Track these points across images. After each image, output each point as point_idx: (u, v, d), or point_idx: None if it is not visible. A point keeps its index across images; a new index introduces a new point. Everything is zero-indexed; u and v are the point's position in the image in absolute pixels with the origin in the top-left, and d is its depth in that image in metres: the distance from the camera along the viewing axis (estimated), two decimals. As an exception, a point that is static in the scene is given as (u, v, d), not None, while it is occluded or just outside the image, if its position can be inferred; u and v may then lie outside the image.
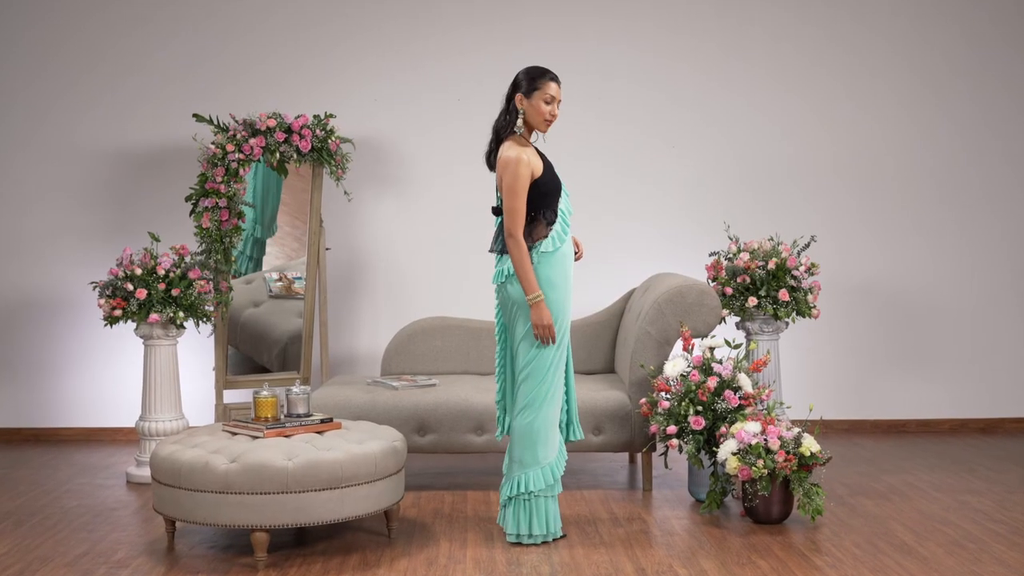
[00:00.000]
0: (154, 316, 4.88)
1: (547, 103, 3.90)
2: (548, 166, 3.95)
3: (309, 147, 5.32)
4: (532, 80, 3.91)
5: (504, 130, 3.96)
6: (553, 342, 3.86)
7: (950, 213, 6.15)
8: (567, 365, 4.01)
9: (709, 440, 4.35)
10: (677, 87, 6.09)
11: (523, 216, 3.84)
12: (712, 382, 4.33)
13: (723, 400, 4.32)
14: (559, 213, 3.93)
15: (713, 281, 5.19)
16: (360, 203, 6.02)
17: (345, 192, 5.61)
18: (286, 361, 5.67)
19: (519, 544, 3.93)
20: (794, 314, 5.14)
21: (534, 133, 4.02)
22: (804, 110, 6.12)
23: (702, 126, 6.11)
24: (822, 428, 5.88)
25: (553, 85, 3.90)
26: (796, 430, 4.17)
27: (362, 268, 6.08)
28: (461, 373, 5.36)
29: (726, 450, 4.13)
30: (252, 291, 5.62)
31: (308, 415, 4.00)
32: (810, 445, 4.09)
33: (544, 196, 3.90)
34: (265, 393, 3.94)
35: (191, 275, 4.99)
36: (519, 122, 3.92)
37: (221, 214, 5.19)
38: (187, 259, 5.09)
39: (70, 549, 3.92)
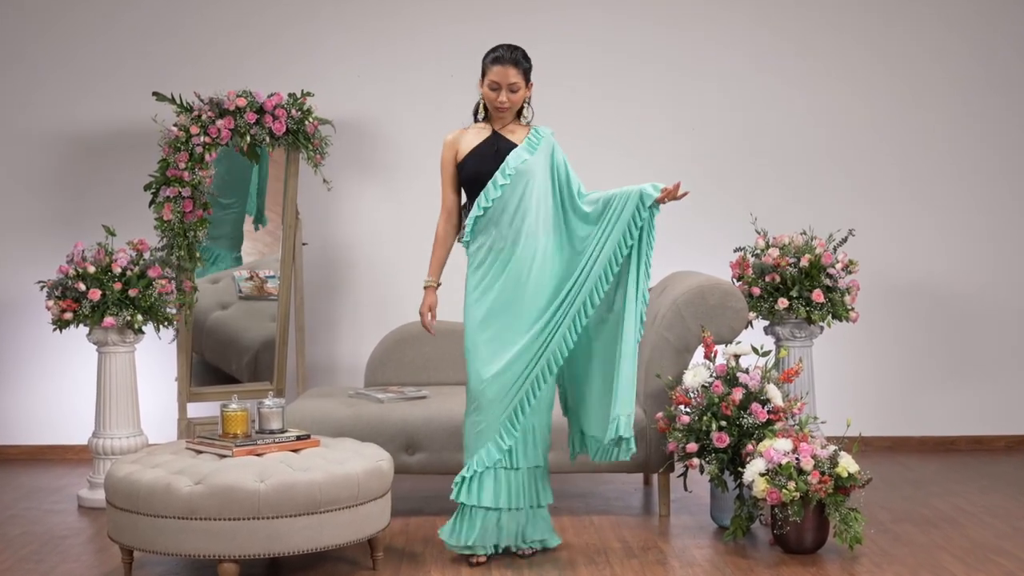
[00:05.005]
0: (109, 320, 4.88)
1: (492, 90, 4.13)
2: (479, 153, 4.14)
3: (284, 129, 5.32)
4: (483, 64, 4.17)
5: (474, 118, 4.27)
6: (427, 329, 4.28)
7: (1007, 205, 6.15)
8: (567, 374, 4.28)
9: (734, 459, 4.35)
10: (697, 61, 6.09)
11: (445, 200, 4.26)
12: (737, 394, 4.33)
13: (750, 414, 4.32)
14: (476, 207, 4.14)
15: (738, 280, 5.20)
16: (341, 192, 6.02)
17: (324, 180, 5.61)
18: (257, 370, 5.67)
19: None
20: (829, 317, 5.14)
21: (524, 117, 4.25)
22: (840, 87, 6.12)
23: (725, 106, 6.11)
24: (861, 446, 5.86)
25: (497, 69, 4.11)
26: (832, 448, 4.18)
27: (343, 266, 6.08)
28: (454, 384, 5.36)
29: (753, 470, 4.14)
30: (219, 292, 5.62)
31: (282, 431, 4.00)
32: (848, 465, 4.09)
33: (464, 184, 4.21)
34: (234, 406, 3.94)
35: (151, 273, 4.99)
36: (480, 109, 4.23)
37: (184, 205, 5.18)
38: (146, 255, 5.09)
39: (14, 582, 3.92)
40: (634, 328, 4.08)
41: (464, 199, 4.26)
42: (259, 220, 5.65)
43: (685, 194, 4.13)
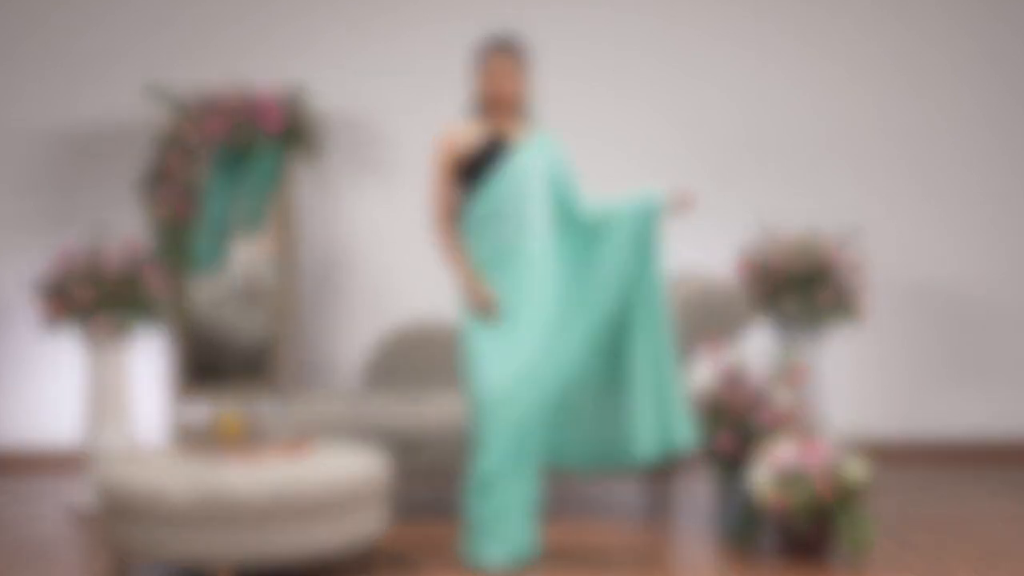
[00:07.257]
0: (100, 320, 4.89)
1: (490, 78, 4.16)
2: (479, 148, 4.14)
3: (279, 125, 5.33)
4: (478, 56, 4.19)
5: (469, 115, 4.28)
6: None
7: (1020, 201, 6.16)
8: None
9: (739, 463, 4.36)
10: (698, 56, 6.10)
11: (441, 203, 4.20)
12: (743, 396, 4.34)
13: (755, 417, 4.33)
14: (478, 204, 4.12)
15: (743, 280, 5.20)
16: (338, 189, 6.03)
17: (321, 177, 5.61)
18: (253, 372, 5.68)
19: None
20: (837, 318, 5.15)
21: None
22: (847, 80, 6.13)
23: (728, 101, 6.12)
24: (869, 449, 5.89)
25: (494, 56, 4.15)
26: (840, 452, 4.19)
27: (340, 264, 6.09)
28: (454, 386, 5.38)
29: (759, 475, 4.15)
30: (214, 291, 5.63)
31: (278, 434, 4.00)
32: (855, 469, 4.10)
33: (463, 180, 4.19)
34: (229, 409, 3.94)
35: (143, 272, 5.00)
36: (478, 105, 4.21)
37: (177, 203, 5.19)
38: (138, 254, 5.10)
39: (4, 589, 3.94)
40: (664, 333, 4.21)
41: (459, 196, 4.26)
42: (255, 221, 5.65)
43: (691, 208, 4.26)
